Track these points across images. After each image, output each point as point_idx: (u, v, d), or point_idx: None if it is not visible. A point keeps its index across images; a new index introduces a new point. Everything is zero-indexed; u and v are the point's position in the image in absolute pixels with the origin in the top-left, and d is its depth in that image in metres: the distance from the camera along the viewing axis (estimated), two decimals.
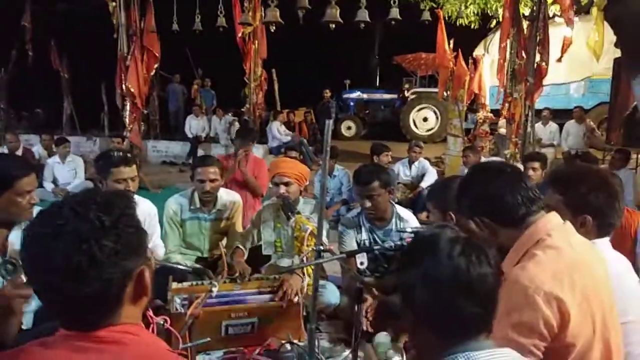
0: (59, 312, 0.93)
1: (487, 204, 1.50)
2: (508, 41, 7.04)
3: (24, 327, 2.13)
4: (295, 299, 2.64)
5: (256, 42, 8.63)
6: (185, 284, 2.62)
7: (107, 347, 0.90)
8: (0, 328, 1.77)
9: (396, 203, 3.24)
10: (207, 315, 2.18)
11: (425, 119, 14.39)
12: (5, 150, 6.98)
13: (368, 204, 2.90)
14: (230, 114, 11.41)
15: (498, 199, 1.47)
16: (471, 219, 1.52)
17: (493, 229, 1.49)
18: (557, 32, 7.44)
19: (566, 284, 1.31)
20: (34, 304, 2.31)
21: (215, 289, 2.17)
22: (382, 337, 1.63)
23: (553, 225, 1.45)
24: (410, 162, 6.54)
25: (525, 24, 6.91)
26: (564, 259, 1.37)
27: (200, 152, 10.15)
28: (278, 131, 10.59)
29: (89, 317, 0.91)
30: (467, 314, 1.01)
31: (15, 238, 2.25)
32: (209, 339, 1.98)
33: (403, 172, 6.56)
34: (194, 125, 10.89)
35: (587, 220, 1.66)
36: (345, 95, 15.59)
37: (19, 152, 7.03)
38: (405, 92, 15.13)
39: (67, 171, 6.91)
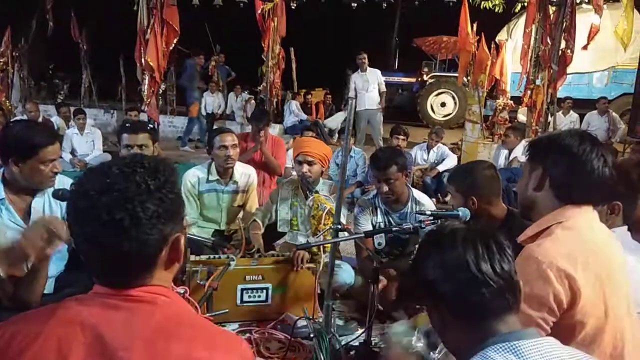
0: (96, 266, 0.96)
1: (572, 172, 1.42)
2: (533, 26, 6.90)
3: (45, 291, 2.17)
4: (306, 266, 2.68)
5: (276, 19, 8.55)
6: (203, 257, 2.65)
7: (139, 306, 0.92)
8: (28, 289, 1.82)
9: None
10: (224, 278, 2.21)
11: (443, 104, 14.24)
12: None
13: (385, 188, 2.90)
14: (246, 92, 11.38)
15: (588, 173, 1.40)
16: (532, 163, 1.49)
17: (542, 184, 1.45)
18: (583, 19, 7.26)
19: (580, 263, 1.32)
20: (55, 270, 2.37)
21: (233, 263, 2.20)
22: (398, 327, 1.63)
23: (580, 210, 1.44)
24: (429, 147, 6.51)
25: (551, 9, 6.75)
26: (581, 241, 1.37)
27: None
28: (297, 108, 10.61)
29: (124, 274, 0.94)
30: (484, 294, 1.02)
31: (38, 205, 2.30)
32: (227, 310, 2.01)
33: (421, 156, 6.52)
34: (209, 102, 10.88)
35: (618, 206, 1.68)
36: None
37: None
38: (424, 75, 14.95)
39: (86, 142, 6.97)
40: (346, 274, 2.92)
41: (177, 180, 1.00)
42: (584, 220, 1.42)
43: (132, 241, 0.90)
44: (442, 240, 1.10)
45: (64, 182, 2.30)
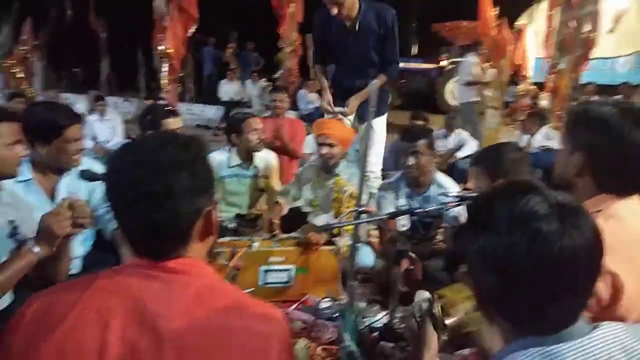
0: (133, 238, 0.98)
1: (615, 161, 1.32)
2: (557, 9, 6.73)
3: (73, 272, 2.20)
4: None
5: (292, 4, 8.47)
6: (226, 239, 2.67)
7: (175, 277, 0.94)
8: (54, 268, 1.84)
9: None
10: (246, 259, 2.22)
11: None
12: None
13: (412, 161, 2.89)
14: (264, 79, 11.37)
15: (634, 160, 1.31)
16: (569, 145, 1.40)
17: (582, 170, 1.37)
18: (608, 2, 7.08)
19: (623, 257, 1.25)
20: (83, 250, 2.40)
21: (256, 244, 2.21)
22: (420, 296, 1.57)
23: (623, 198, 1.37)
24: (446, 135, 6.43)
25: None
26: (624, 231, 1.30)
27: None
28: (307, 97, 10.59)
29: (161, 246, 0.96)
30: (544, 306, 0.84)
31: (63, 185, 2.33)
32: (253, 288, 2.02)
33: (440, 143, 6.44)
34: (227, 89, 10.90)
35: None
36: None
37: None
38: (443, 61, 14.72)
39: (107, 128, 7.05)
40: (365, 256, 2.92)
41: (208, 155, 1.03)
42: (627, 206, 1.35)
43: (167, 213, 0.92)
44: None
45: (90, 164, 2.32)
